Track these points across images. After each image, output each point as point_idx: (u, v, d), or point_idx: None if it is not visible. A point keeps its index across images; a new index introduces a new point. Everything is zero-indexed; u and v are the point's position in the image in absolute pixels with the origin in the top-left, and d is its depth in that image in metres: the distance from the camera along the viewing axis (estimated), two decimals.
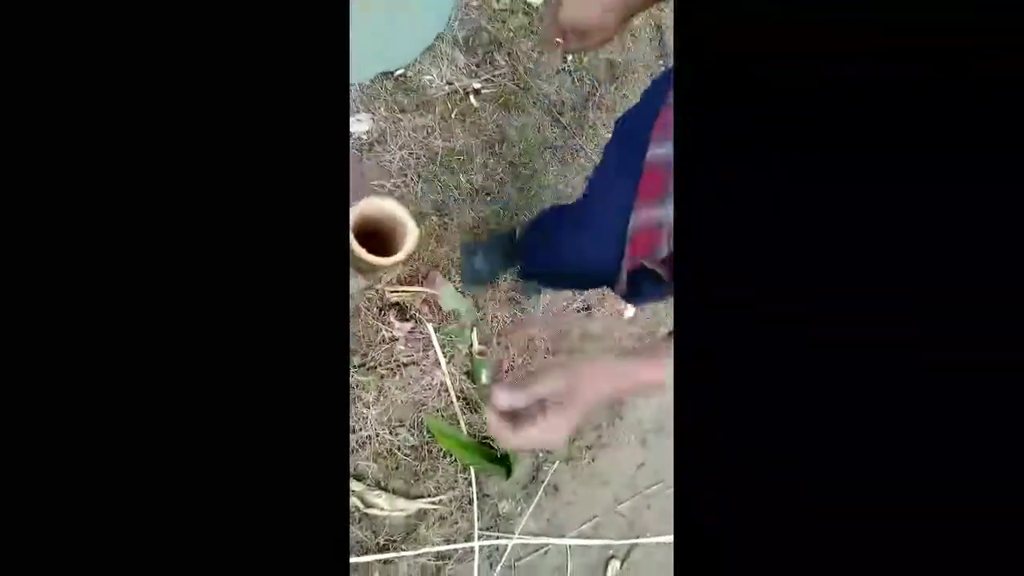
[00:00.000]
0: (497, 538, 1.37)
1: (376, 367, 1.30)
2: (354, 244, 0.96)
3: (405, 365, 1.33)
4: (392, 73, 1.42)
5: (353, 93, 1.37)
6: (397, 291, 1.35)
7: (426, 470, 1.31)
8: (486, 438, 1.38)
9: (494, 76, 1.53)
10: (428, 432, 1.32)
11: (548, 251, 0.92)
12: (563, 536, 1.48)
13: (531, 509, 1.44)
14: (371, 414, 1.28)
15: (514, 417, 0.53)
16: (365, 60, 1.36)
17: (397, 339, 1.33)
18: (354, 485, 1.23)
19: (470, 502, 1.35)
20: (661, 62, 1.80)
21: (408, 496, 1.29)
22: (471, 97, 1.50)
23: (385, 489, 1.27)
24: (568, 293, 1.49)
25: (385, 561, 1.20)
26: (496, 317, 1.43)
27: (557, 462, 1.52)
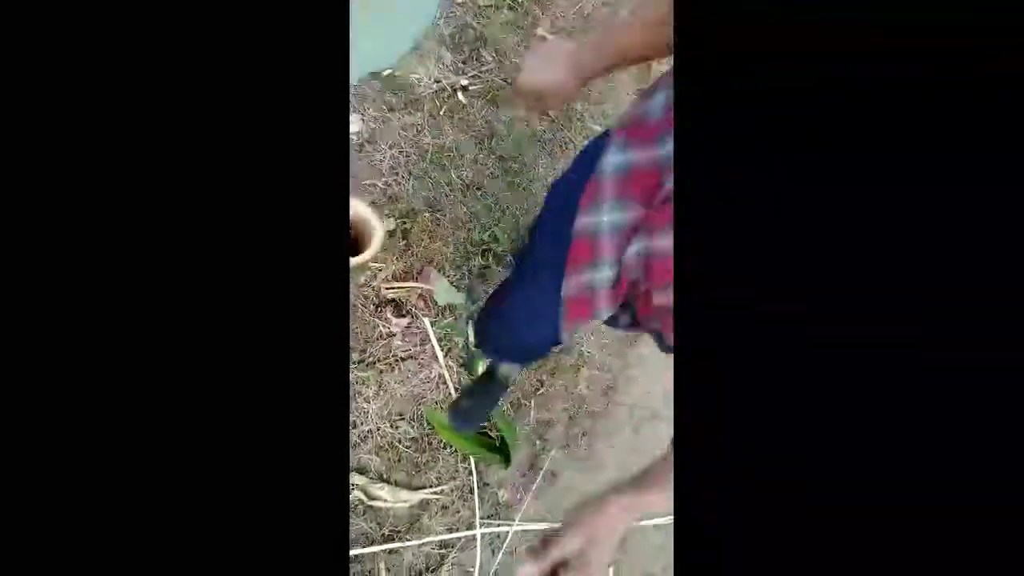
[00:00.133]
0: (498, 525, 1.41)
1: (375, 363, 1.33)
2: None
3: (403, 359, 1.36)
4: (380, 73, 1.44)
5: None
6: (392, 287, 1.38)
7: (427, 461, 1.34)
8: (484, 428, 1.42)
9: (481, 72, 1.55)
10: (428, 424, 1.35)
11: (500, 332, 0.95)
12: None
13: (530, 496, 1.48)
14: (371, 409, 1.31)
15: None
16: (353, 61, 1.38)
17: (394, 334, 1.36)
18: (357, 478, 1.26)
19: (471, 491, 1.38)
20: None
21: (410, 487, 1.32)
22: (459, 94, 1.52)
23: (388, 481, 1.30)
24: None
25: (390, 551, 1.23)
26: None
27: (554, 449, 1.55)
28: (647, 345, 1.58)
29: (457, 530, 1.33)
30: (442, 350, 1.39)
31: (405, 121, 1.45)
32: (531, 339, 0.88)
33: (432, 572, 1.28)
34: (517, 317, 0.84)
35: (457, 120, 1.50)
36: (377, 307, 1.36)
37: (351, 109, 1.41)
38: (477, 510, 1.37)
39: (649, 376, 1.72)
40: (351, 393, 1.29)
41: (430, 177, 1.46)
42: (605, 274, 0.63)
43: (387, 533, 1.25)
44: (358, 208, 1.07)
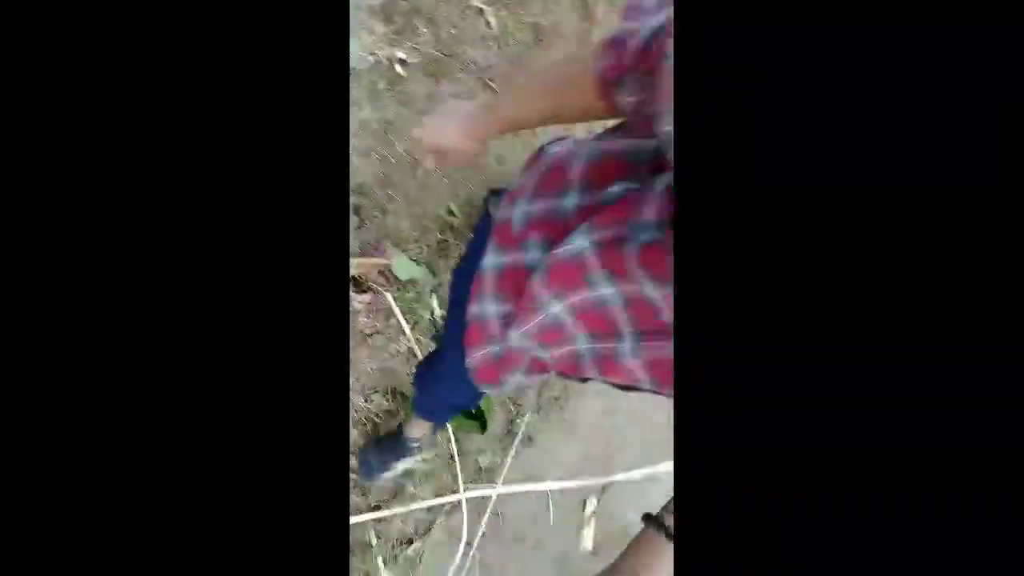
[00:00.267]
0: (482, 489, 1.41)
1: None
2: None
3: (370, 335, 1.35)
4: None
5: None
6: (350, 265, 1.36)
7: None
8: None
9: (416, 44, 1.55)
10: (402, 396, 1.35)
11: (427, 394, 1.04)
12: (544, 481, 1.54)
13: (510, 460, 1.49)
14: None
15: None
16: None
17: (358, 311, 1.34)
18: None
19: (452, 458, 1.38)
20: (587, 25, 1.86)
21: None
22: (397, 67, 1.51)
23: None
24: None
25: (379, 520, 1.22)
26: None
27: (529, 413, 1.57)
28: None
29: (443, 496, 1.33)
30: (408, 323, 1.39)
31: None
32: (453, 400, 0.98)
33: (422, 537, 1.27)
34: (439, 382, 0.91)
35: (397, 92, 1.50)
36: None
37: None
38: (460, 475, 1.37)
39: None
40: None
41: (376, 152, 1.45)
42: (495, 349, 0.69)
43: (373, 503, 1.24)
44: None
